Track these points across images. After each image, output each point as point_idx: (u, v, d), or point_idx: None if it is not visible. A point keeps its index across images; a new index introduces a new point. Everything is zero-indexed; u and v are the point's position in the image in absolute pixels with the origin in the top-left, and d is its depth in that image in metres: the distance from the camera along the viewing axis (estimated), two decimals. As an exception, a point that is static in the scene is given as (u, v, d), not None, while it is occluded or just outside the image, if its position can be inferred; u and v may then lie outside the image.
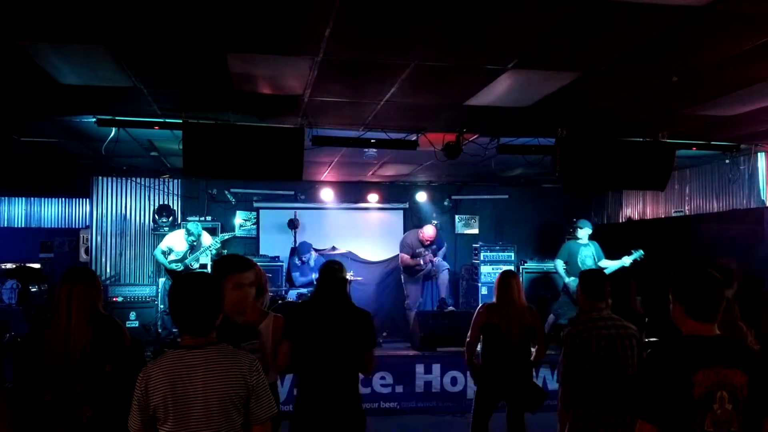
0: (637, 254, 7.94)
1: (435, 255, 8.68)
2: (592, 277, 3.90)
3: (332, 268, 3.68)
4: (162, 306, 8.72)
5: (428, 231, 8.54)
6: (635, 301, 4.69)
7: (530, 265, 9.64)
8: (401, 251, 8.71)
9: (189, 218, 9.51)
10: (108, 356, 3.14)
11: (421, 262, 8.52)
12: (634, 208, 9.96)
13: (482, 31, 3.62)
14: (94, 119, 5.73)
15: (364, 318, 3.62)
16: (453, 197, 10.78)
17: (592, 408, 3.54)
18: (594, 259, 8.15)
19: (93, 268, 9.14)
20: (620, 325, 3.63)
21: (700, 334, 2.26)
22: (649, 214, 9.62)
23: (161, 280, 9.12)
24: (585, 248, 8.20)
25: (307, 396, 3.54)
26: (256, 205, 10.24)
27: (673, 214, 8.95)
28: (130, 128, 5.89)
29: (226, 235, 8.94)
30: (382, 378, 6.91)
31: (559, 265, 8.20)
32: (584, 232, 8.25)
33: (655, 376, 2.21)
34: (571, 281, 7.83)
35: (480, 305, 4.99)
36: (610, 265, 7.97)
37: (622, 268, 7.87)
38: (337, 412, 3.48)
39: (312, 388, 3.51)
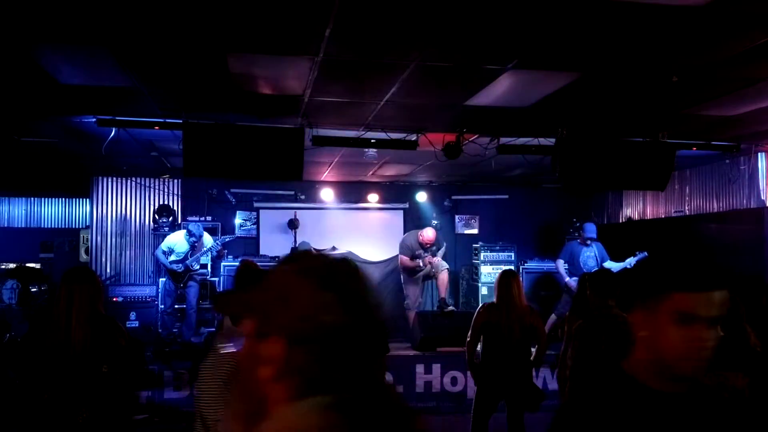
0: (642, 256, 7.96)
1: (434, 255, 8.67)
2: (601, 276, 3.98)
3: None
4: (162, 306, 8.71)
5: (428, 234, 8.51)
6: None
7: (530, 265, 9.64)
8: (400, 252, 8.70)
9: (189, 218, 9.50)
10: (105, 357, 3.13)
11: (420, 264, 8.52)
12: (634, 208, 9.96)
13: (482, 31, 3.62)
14: (94, 119, 5.73)
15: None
16: (453, 197, 10.77)
17: None
18: (597, 260, 8.18)
19: (93, 268, 9.13)
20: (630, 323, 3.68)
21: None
22: (649, 214, 9.62)
23: (161, 280, 9.10)
24: (587, 249, 8.25)
25: None
26: (256, 205, 10.23)
27: (673, 214, 8.95)
28: (130, 128, 5.89)
29: (228, 238, 8.93)
30: (382, 378, 6.90)
31: (560, 265, 8.25)
32: (590, 233, 8.32)
33: None
34: (572, 280, 7.87)
35: (480, 305, 4.99)
36: (614, 267, 7.98)
37: (625, 269, 7.88)
38: None
39: None
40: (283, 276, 0.99)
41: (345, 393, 0.90)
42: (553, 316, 8.11)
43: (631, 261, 7.96)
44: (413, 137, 6.30)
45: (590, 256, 8.20)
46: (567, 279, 8.08)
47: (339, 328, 0.92)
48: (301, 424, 0.88)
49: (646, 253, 7.95)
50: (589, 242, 8.31)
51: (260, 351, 0.94)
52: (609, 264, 8.10)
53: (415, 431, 0.99)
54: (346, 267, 1.02)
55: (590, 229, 8.36)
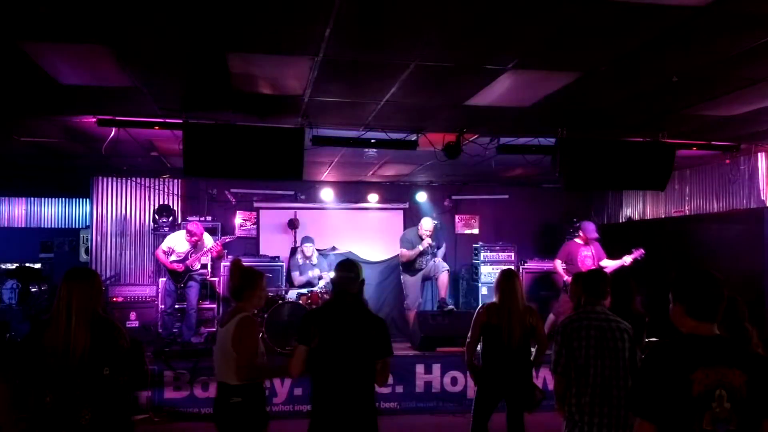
0: (638, 254, 7.96)
1: (435, 255, 8.66)
2: (591, 276, 3.98)
3: (347, 273, 3.60)
4: (162, 306, 8.71)
5: (426, 224, 8.48)
6: (636, 300, 4.70)
7: (530, 265, 9.64)
8: (401, 246, 8.66)
9: (189, 218, 9.50)
10: (106, 360, 3.13)
11: (420, 248, 8.44)
12: (634, 208, 9.97)
13: (482, 31, 3.62)
14: (94, 119, 5.73)
15: (378, 325, 3.58)
16: (453, 197, 10.78)
17: (584, 398, 3.56)
18: (594, 259, 8.15)
19: (93, 268, 9.13)
20: (612, 319, 3.72)
21: (699, 334, 2.27)
22: (649, 214, 9.62)
23: (161, 280, 9.11)
24: (585, 249, 8.21)
25: (321, 401, 3.50)
26: (256, 205, 10.24)
27: (673, 214, 8.95)
28: (130, 128, 5.89)
29: (228, 238, 8.93)
30: (383, 378, 6.90)
31: (558, 265, 8.23)
32: (591, 232, 8.28)
33: (654, 374, 2.22)
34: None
35: (480, 305, 4.99)
36: (610, 265, 7.97)
37: (622, 268, 7.88)
38: (350, 419, 3.44)
39: (326, 394, 3.47)
40: None
41: None
42: (551, 316, 8.11)
43: (626, 259, 7.95)
44: (413, 137, 6.30)
45: (588, 255, 8.16)
46: (566, 278, 8.06)
47: None
48: None
49: (642, 251, 7.94)
50: (588, 241, 8.28)
51: None
52: (605, 262, 8.09)
53: None
54: None
55: (591, 229, 8.30)
